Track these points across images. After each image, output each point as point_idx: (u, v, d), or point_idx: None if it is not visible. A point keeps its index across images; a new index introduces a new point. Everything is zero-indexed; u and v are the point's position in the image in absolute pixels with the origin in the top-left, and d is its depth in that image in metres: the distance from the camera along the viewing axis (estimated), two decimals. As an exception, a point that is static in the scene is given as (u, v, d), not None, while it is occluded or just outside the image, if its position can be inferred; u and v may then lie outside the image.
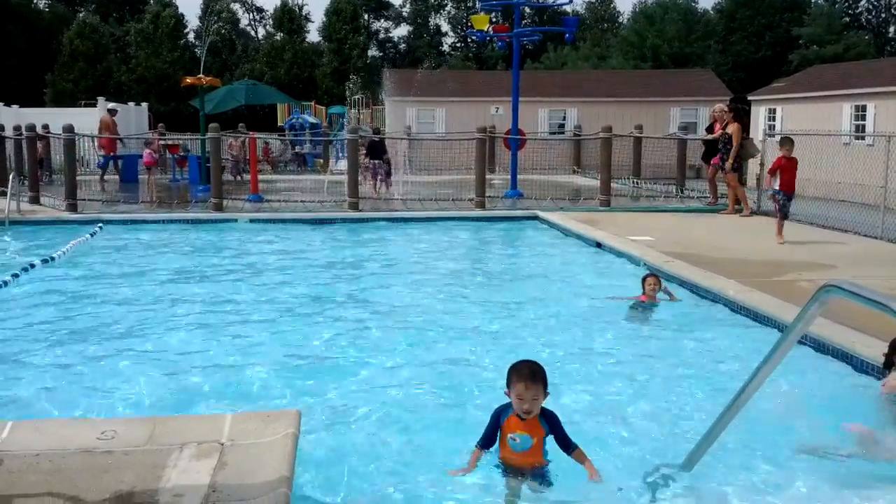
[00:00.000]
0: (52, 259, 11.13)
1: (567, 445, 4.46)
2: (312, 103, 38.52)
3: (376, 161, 19.69)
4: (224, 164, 18.89)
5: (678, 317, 8.32)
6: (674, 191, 19.56)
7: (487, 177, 17.81)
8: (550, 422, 4.44)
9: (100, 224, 14.63)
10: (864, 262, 10.77)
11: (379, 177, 19.70)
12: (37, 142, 18.76)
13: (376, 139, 20.14)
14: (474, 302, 9.18)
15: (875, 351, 6.07)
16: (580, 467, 4.42)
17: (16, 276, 9.92)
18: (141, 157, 25.88)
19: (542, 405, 4.41)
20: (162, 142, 24.78)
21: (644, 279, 8.78)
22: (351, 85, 35.40)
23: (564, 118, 30.95)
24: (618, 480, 4.48)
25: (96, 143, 24.42)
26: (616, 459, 4.80)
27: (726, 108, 17.36)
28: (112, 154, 23.72)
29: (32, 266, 10.49)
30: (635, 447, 4.99)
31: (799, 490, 4.42)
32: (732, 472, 4.57)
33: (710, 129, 18.48)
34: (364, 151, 19.68)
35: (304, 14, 65.16)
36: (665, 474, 4.49)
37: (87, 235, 13.36)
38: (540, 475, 4.39)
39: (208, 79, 21.29)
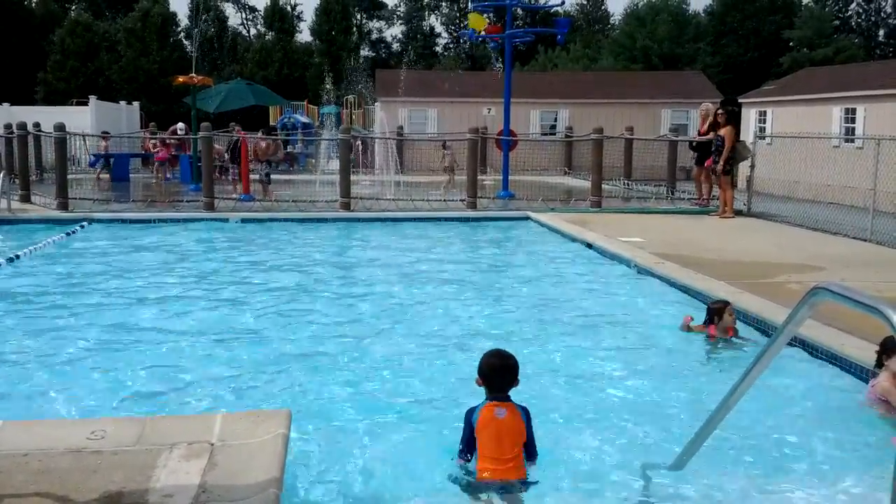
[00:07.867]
0: (17, 257, 11.05)
1: (531, 451, 4.39)
2: (305, 103, 38.46)
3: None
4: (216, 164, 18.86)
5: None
6: (664, 192, 19.60)
7: (479, 177, 17.82)
8: (527, 415, 4.40)
9: (82, 223, 14.57)
10: (853, 264, 10.81)
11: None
12: (28, 140, 18.71)
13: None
14: (465, 301, 9.18)
15: (864, 353, 6.11)
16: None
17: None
18: (133, 156, 25.94)
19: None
20: (169, 140, 24.59)
21: (719, 309, 7.11)
22: (327, 87, 35.69)
23: (556, 119, 30.98)
24: (608, 480, 4.49)
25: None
26: (605, 460, 4.82)
27: (711, 107, 17.47)
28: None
29: None
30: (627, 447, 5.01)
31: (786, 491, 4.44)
32: (721, 473, 4.58)
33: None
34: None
35: (296, 13, 65.00)
36: (655, 475, 4.51)
37: (63, 234, 13.32)
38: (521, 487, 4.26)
39: (200, 77, 21.23)
